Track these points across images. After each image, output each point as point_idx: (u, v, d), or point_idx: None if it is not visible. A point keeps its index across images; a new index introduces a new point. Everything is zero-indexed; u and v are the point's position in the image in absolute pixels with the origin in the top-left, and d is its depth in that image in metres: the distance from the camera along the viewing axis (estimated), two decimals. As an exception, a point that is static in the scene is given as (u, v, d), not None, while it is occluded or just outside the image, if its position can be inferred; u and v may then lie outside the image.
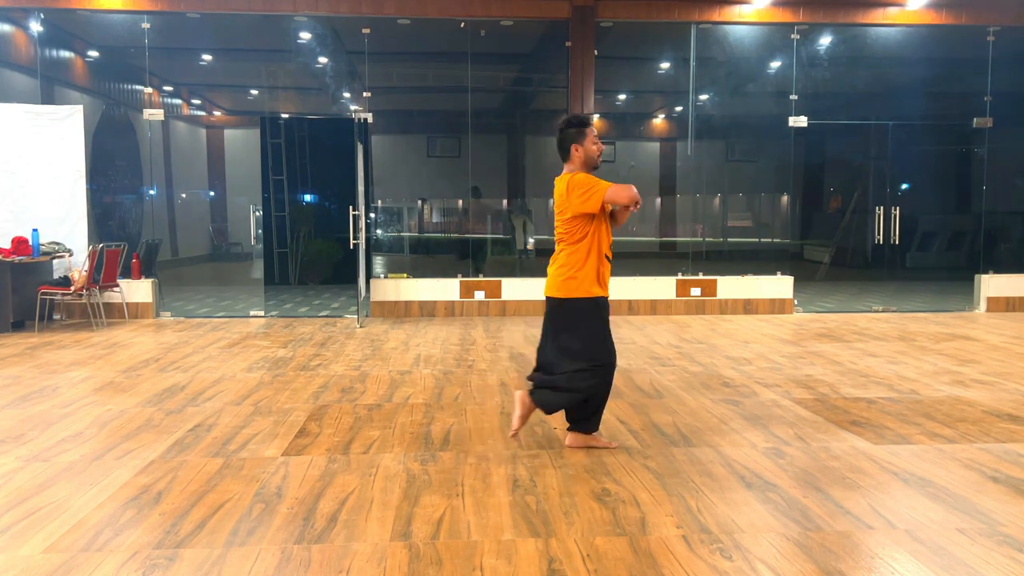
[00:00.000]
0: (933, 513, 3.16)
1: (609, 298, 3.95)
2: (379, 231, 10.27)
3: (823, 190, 13.86)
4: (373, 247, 9.77)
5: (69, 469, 3.70)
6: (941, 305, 9.97)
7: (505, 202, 10.89)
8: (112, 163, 9.57)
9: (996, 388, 5.42)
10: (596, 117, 9.36)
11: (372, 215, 9.71)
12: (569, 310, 3.89)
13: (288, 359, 6.52)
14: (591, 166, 3.92)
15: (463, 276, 9.35)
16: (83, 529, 3.01)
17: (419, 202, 11.23)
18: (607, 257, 3.92)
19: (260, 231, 12.00)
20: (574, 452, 3.96)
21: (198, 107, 11.89)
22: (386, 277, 9.37)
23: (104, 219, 9.43)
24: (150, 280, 9.07)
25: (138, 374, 5.89)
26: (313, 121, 12.67)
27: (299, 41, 9.49)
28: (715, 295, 9.45)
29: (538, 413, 4.13)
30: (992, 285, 9.74)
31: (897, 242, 10.00)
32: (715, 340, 7.52)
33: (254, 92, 11.17)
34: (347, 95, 9.84)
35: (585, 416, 4.01)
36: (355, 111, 9.22)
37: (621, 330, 8.15)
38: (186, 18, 9.01)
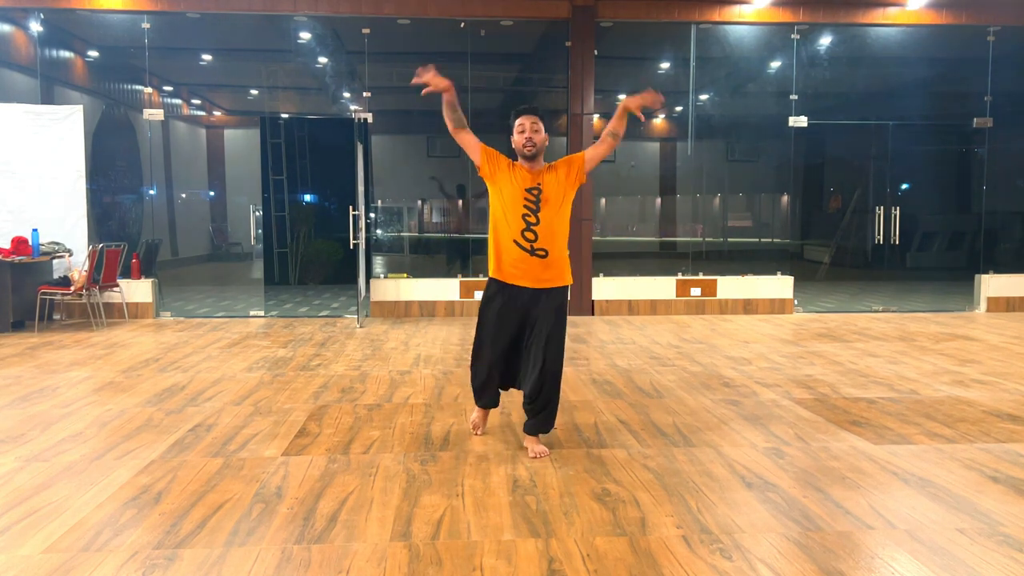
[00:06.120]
0: (933, 513, 3.16)
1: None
2: (379, 231, 10.26)
3: (823, 190, 13.86)
4: (373, 247, 9.76)
5: (69, 469, 3.70)
6: (941, 305, 9.97)
7: None
8: (112, 163, 9.57)
9: (996, 388, 5.42)
10: (596, 117, 9.35)
11: (372, 215, 9.71)
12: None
13: (288, 359, 6.52)
14: (521, 156, 3.92)
15: (463, 276, 9.35)
16: (83, 529, 3.01)
17: (419, 202, 11.22)
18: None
19: (260, 231, 11.99)
20: (574, 452, 3.96)
21: (198, 107, 11.88)
22: (386, 277, 9.37)
23: (104, 219, 9.42)
24: (150, 280, 9.07)
25: (138, 374, 5.89)
26: (313, 121, 12.67)
27: (299, 41, 9.49)
28: (715, 295, 9.44)
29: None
30: (992, 285, 9.74)
31: (897, 242, 10.00)
32: (715, 340, 7.51)
33: (254, 92, 11.16)
34: (347, 95, 9.83)
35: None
36: (355, 111, 9.22)
37: (621, 330, 8.15)
38: (186, 18, 9.01)
